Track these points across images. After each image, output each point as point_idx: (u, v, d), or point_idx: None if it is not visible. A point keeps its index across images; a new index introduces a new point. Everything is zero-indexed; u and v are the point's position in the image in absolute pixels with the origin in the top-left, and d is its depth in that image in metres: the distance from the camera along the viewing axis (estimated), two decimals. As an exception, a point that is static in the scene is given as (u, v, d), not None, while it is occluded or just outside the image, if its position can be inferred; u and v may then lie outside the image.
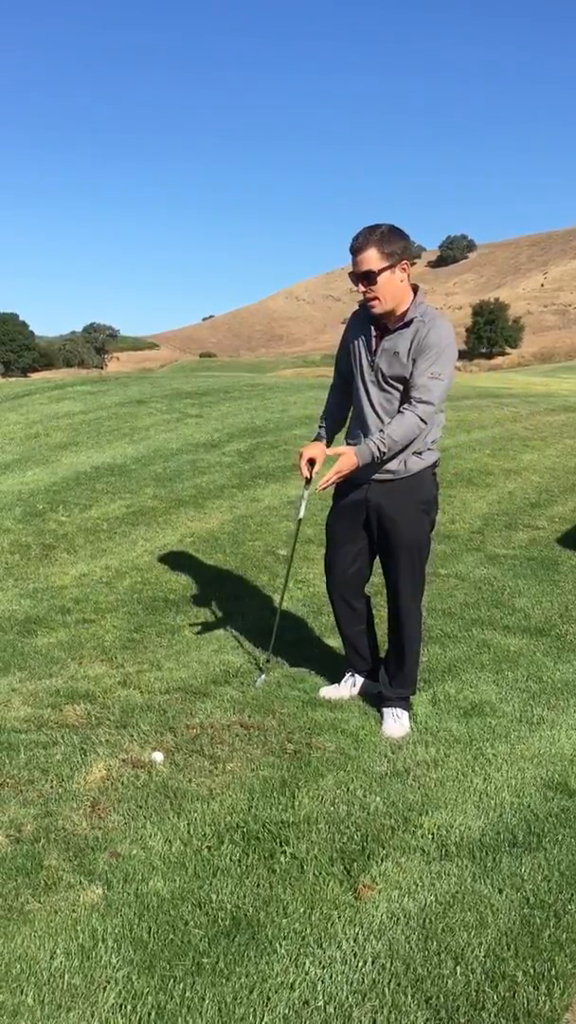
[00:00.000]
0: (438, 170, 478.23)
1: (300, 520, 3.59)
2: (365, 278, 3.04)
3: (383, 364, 3.16)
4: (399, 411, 3.16)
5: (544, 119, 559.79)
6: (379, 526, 3.29)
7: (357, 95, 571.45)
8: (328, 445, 3.44)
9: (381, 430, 3.16)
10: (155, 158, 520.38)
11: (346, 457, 3.14)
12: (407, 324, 3.11)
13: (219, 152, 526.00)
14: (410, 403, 3.13)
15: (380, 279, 3.03)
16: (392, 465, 3.20)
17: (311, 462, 3.30)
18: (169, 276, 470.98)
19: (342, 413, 3.51)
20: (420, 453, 3.21)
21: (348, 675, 3.65)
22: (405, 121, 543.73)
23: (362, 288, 3.07)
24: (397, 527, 3.25)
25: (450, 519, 6.55)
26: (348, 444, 3.30)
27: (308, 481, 3.37)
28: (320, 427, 3.52)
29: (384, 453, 3.12)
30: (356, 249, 3.03)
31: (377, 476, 3.22)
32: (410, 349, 3.11)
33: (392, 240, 3.03)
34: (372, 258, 3.02)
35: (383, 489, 3.24)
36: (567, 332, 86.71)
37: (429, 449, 3.25)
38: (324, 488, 3.22)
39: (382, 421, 3.20)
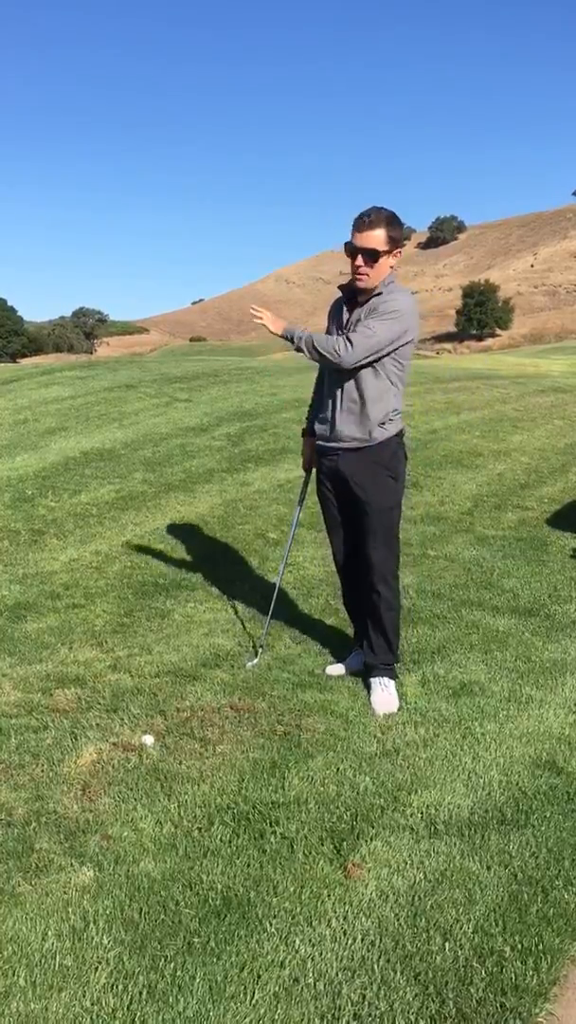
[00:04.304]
0: (428, 152, 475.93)
1: (300, 505, 3.78)
2: (368, 254, 3.11)
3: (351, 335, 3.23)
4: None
5: (534, 101, 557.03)
6: (350, 493, 3.38)
7: (346, 79, 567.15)
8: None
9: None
10: (144, 143, 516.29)
11: (275, 317, 3.34)
12: (373, 296, 3.21)
13: (208, 136, 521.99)
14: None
15: (380, 260, 3.13)
16: (359, 434, 3.31)
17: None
18: (158, 260, 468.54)
19: None
20: (383, 424, 3.31)
21: (356, 650, 3.70)
22: (394, 103, 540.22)
23: (360, 262, 3.13)
24: (367, 493, 3.35)
25: (439, 501, 6.56)
26: (318, 424, 3.45)
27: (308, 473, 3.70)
28: (308, 418, 3.65)
29: (297, 342, 3.24)
30: (368, 224, 3.10)
31: (345, 445, 3.34)
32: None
33: (399, 227, 3.16)
34: (381, 239, 3.11)
35: (353, 457, 3.35)
36: (557, 313, 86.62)
37: (391, 420, 3.34)
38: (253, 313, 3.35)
39: (358, 395, 3.26)
